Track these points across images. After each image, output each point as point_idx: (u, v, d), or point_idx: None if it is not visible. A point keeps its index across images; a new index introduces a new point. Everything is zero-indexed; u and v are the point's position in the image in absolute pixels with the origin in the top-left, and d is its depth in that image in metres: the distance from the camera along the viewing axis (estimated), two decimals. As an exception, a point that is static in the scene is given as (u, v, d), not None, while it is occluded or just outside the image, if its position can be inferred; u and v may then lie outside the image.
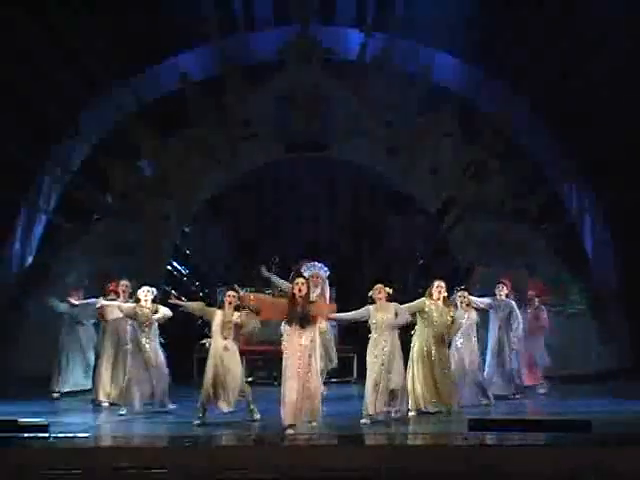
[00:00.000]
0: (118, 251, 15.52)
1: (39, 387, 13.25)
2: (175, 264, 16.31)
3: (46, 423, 8.69)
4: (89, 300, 12.78)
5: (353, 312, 10.28)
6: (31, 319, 15.17)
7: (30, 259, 16.02)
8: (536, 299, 13.16)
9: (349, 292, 15.21)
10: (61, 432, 8.83)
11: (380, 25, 15.80)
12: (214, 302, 14.95)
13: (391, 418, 10.02)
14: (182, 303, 10.77)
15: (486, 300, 12.36)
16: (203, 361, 13.93)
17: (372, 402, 9.93)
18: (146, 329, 11.03)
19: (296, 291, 9.48)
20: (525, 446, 8.31)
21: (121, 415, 10.79)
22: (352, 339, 14.40)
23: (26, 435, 8.52)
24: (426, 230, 16.38)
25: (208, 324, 14.82)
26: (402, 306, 10.34)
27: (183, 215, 16.27)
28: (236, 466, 7.69)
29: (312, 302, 9.69)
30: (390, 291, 10.28)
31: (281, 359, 9.79)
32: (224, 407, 10.07)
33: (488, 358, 12.41)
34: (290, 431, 9.22)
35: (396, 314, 10.17)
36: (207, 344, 14.20)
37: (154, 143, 16.06)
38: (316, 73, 16.17)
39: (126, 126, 15.88)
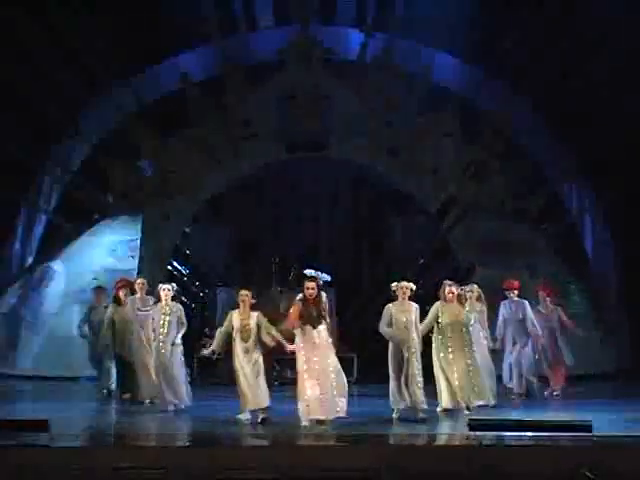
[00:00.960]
0: (119, 251, 15.51)
1: (39, 386, 13.27)
2: (175, 264, 16.32)
3: (46, 422, 8.67)
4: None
5: (383, 322, 10.22)
6: (31, 319, 15.18)
7: (30, 259, 16.03)
8: (547, 299, 13.07)
9: (349, 292, 15.26)
10: (62, 431, 8.83)
11: (380, 25, 15.81)
12: (214, 302, 15.10)
13: (408, 417, 10.04)
14: (215, 343, 10.65)
15: (500, 317, 12.35)
16: (204, 361, 14.02)
17: (402, 397, 9.98)
18: (163, 329, 10.99)
19: (307, 294, 9.58)
20: (525, 446, 8.30)
21: (165, 411, 10.78)
22: (352, 339, 14.42)
23: (26, 435, 8.51)
24: (426, 230, 16.38)
25: (208, 324, 14.95)
26: (423, 323, 10.34)
27: (183, 215, 16.27)
28: (236, 466, 7.68)
29: (324, 304, 9.76)
30: (413, 287, 10.28)
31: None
32: (258, 406, 10.05)
33: (506, 357, 12.44)
34: (323, 427, 9.30)
35: (417, 315, 10.20)
36: (207, 345, 14.25)
37: (154, 143, 16.07)
38: (316, 73, 16.17)
39: (126, 126, 15.89)
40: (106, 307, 12.86)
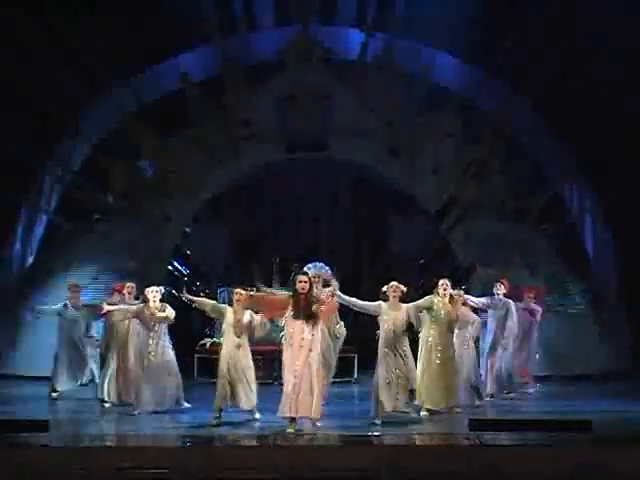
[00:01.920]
0: (119, 251, 15.50)
1: (39, 387, 13.26)
2: (176, 264, 16.32)
3: (46, 422, 8.68)
4: (94, 304, 12.61)
5: (365, 302, 10.27)
6: (32, 319, 15.16)
7: (31, 259, 16.03)
8: (531, 301, 13.09)
9: (349, 292, 15.24)
10: (61, 432, 8.84)
11: (381, 25, 15.81)
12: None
13: (407, 417, 9.99)
14: (195, 299, 10.74)
15: (483, 300, 12.33)
16: (204, 361, 14.02)
17: (386, 400, 9.93)
18: (153, 329, 10.98)
19: (299, 288, 9.51)
20: (525, 446, 8.30)
21: (132, 415, 10.70)
22: (352, 339, 14.40)
23: (26, 435, 8.51)
24: (427, 230, 16.38)
25: (209, 324, 14.92)
26: (410, 304, 10.32)
27: (184, 215, 16.26)
28: (236, 466, 7.67)
29: (316, 298, 9.71)
30: (405, 289, 10.26)
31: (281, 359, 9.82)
32: (244, 405, 10.07)
33: (483, 357, 12.43)
34: (290, 430, 9.24)
35: (407, 315, 10.17)
36: (207, 344, 14.25)
37: (154, 143, 16.06)
38: (317, 73, 16.15)
39: (126, 126, 15.88)
40: (84, 306, 12.80)
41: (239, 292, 10.32)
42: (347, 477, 7.60)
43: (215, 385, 10.26)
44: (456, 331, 11.23)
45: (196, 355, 14.11)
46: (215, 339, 14.44)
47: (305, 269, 10.34)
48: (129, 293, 12.03)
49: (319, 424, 9.36)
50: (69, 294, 12.77)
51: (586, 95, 14.43)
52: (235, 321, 10.18)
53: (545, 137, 16.07)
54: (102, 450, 8.38)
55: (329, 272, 10.75)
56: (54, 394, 12.36)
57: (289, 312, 9.53)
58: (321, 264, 10.61)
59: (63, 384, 12.47)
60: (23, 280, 15.81)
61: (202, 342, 14.32)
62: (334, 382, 13.19)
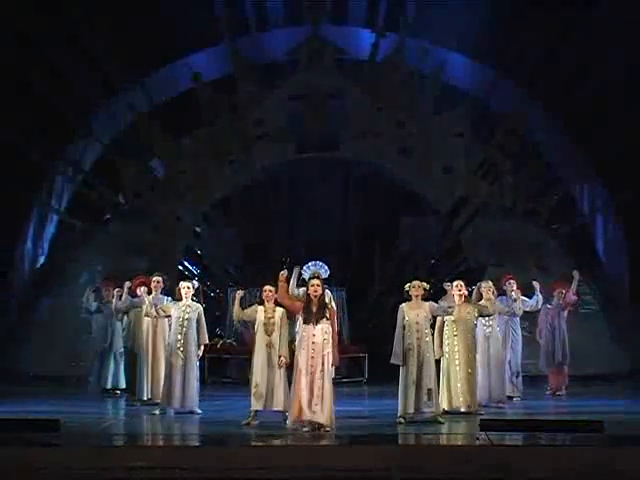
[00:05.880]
0: (130, 251, 15.51)
1: (50, 386, 13.31)
2: (187, 264, 16.33)
3: (57, 422, 8.69)
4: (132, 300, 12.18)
5: (397, 325, 10.13)
6: (43, 319, 15.22)
7: (42, 259, 16.08)
8: (563, 293, 12.94)
9: (360, 292, 15.25)
10: (72, 431, 8.85)
11: (392, 25, 15.80)
12: (225, 302, 15.09)
13: (425, 417, 9.91)
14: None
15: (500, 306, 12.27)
16: (214, 361, 14.03)
17: (408, 401, 9.88)
18: (183, 324, 10.67)
19: (311, 292, 9.48)
20: (536, 446, 8.28)
21: (153, 414, 10.62)
22: (363, 339, 14.41)
23: (37, 433, 8.52)
24: (438, 230, 16.35)
25: (220, 324, 14.93)
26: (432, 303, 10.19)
27: (194, 215, 16.28)
28: (236, 466, 7.63)
29: (326, 303, 9.67)
30: (427, 286, 10.09)
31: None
32: (278, 407, 9.90)
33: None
34: (293, 426, 9.20)
35: (431, 314, 10.07)
36: (218, 344, 14.25)
37: (166, 143, 16.08)
38: (328, 73, 16.16)
39: (138, 126, 15.92)
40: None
41: (268, 289, 10.10)
42: (357, 477, 7.57)
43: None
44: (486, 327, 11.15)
45: (207, 355, 14.08)
46: (226, 339, 14.47)
47: (304, 269, 10.24)
48: (155, 288, 11.63)
49: (328, 429, 9.29)
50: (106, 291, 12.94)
51: (598, 95, 14.40)
52: (266, 319, 10.00)
53: (557, 137, 16.03)
54: (113, 450, 8.38)
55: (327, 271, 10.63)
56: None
57: (301, 315, 9.50)
58: (320, 263, 10.52)
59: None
60: (34, 279, 15.86)
61: (213, 342, 14.31)
62: (345, 382, 13.26)
